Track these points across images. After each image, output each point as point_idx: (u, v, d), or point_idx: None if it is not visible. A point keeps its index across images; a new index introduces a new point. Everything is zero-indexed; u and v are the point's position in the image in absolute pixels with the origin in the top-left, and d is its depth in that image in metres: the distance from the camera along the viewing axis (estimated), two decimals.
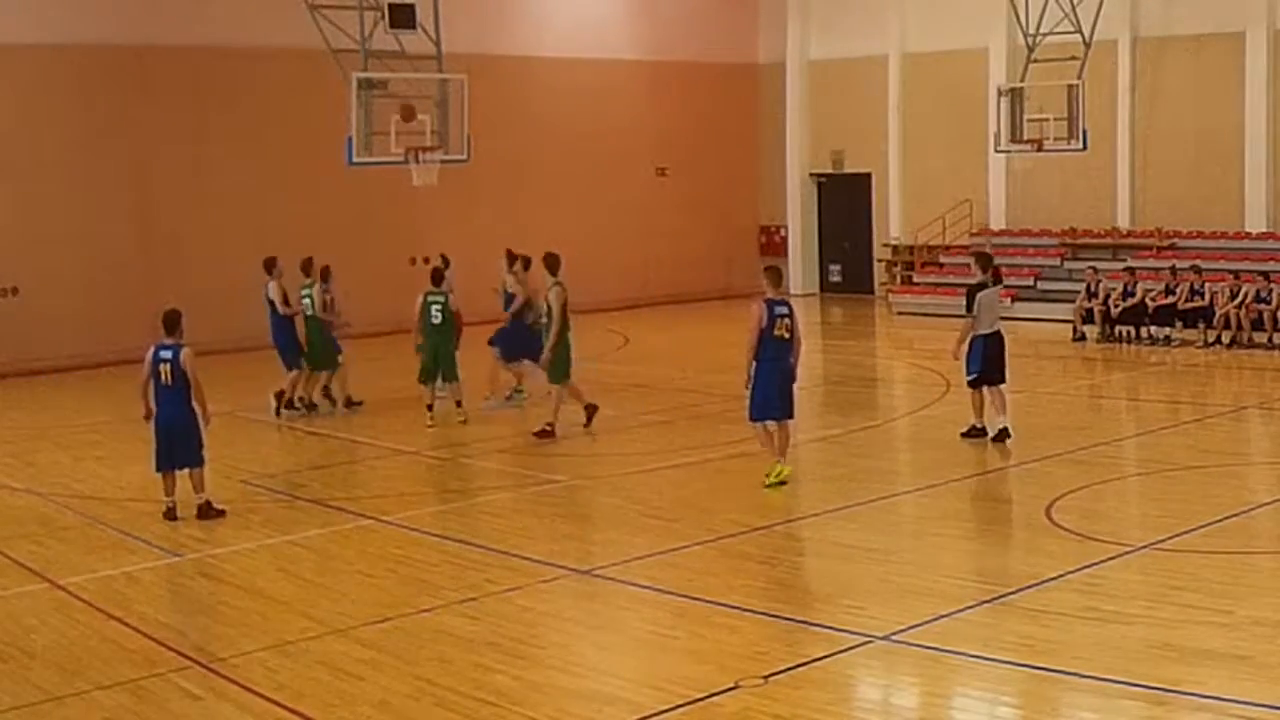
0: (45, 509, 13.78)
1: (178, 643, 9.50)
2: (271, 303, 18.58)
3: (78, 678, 8.87)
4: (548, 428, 16.47)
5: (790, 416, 13.90)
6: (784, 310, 13.65)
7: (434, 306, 17.75)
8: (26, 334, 23.42)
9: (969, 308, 15.57)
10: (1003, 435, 15.34)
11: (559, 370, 16.65)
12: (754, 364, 13.59)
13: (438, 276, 18.19)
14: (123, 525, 12.95)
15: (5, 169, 23.35)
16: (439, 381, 17.88)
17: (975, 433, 15.55)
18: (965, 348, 15.53)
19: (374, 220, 26.92)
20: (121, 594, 10.74)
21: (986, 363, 15.47)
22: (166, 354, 12.74)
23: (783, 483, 13.63)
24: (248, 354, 22.20)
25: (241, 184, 25.73)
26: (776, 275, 14.14)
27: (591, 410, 17.02)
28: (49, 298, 23.80)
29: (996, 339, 15.61)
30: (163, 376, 12.75)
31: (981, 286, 15.54)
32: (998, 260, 28.91)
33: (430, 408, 17.56)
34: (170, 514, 12.95)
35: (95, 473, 15.53)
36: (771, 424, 13.77)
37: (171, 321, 12.90)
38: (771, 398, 13.62)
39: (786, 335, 13.60)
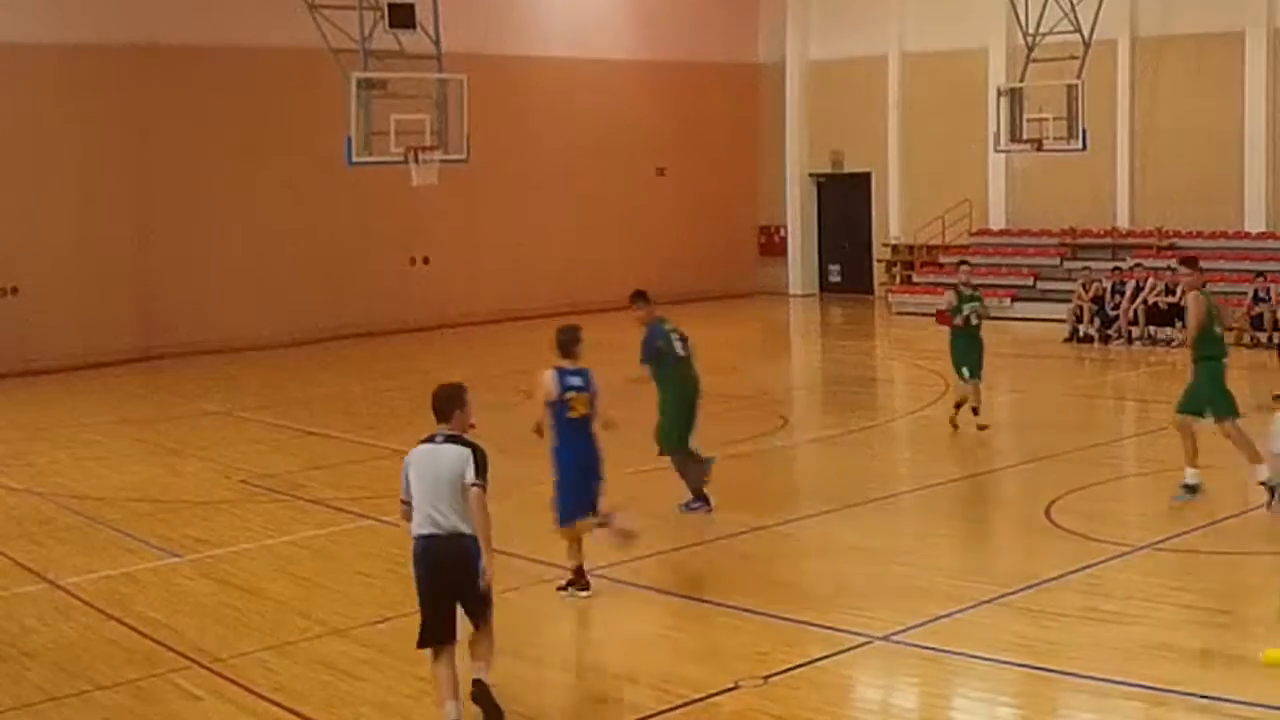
0: (45, 509, 13.78)
1: (178, 643, 9.50)
2: None
3: (78, 678, 8.88)
4: None
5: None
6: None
7: None
8: (26, 334, 23.42)
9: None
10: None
11: None
12: None
13: None
14: (123, 525, 12.95)
15: (5, 169, 23.34)
16: None
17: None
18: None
19: (374, 220, 26.92)
20: (121, 594, 10.75)
21: None
22: None
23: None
24: (247, 354, 22.20)
25: (241, 184, 25.71)
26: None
27: None
28: (49, 298, 23.79)
29: None
30: None
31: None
32: (996, 260, 29.27)
33: None
34: None
35: (95, 473, 15.52)
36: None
37: None
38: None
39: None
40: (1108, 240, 28.29)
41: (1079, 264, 27.05)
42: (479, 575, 7.81)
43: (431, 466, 7.94)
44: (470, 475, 7.85)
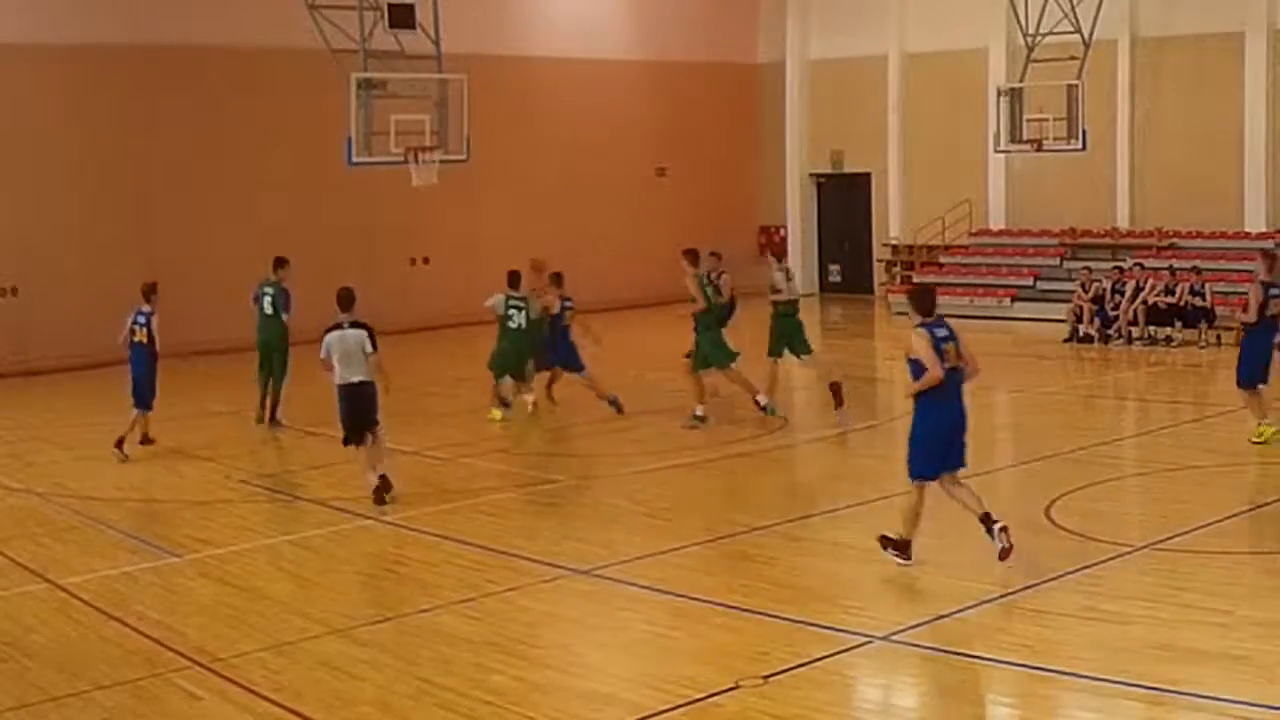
0: (45, 509, 13.78)
1: (178, 643, 9.49)
2: None
3: (78, 678, 8.87)
4: None
5: None
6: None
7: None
8: (26, 334, 23.41)
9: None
10: None
11: None
12: None
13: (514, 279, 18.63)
14: (123, 525, 12.96)
15: (5, 169, 23.34)
16: None
17: None
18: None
19: (374, 220, 26.91)
20: (121, 594, 10.75)
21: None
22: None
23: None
24: (248, 354, 22.16)
25: (241, 184, 25.72)
26: None
27: None
28: (49, 298, 23.80)
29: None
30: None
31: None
32: (996, 260, 29.28)
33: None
34: None
35: (95, 473, 15.52)
36: None
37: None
38: None
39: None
40: (1108, 240, 28.29)
41: (1079, 264, 27.04)
42: (377, 407, 13.17)
43: (343, 344, 13.03)
44: (369, 347, 13.02)
